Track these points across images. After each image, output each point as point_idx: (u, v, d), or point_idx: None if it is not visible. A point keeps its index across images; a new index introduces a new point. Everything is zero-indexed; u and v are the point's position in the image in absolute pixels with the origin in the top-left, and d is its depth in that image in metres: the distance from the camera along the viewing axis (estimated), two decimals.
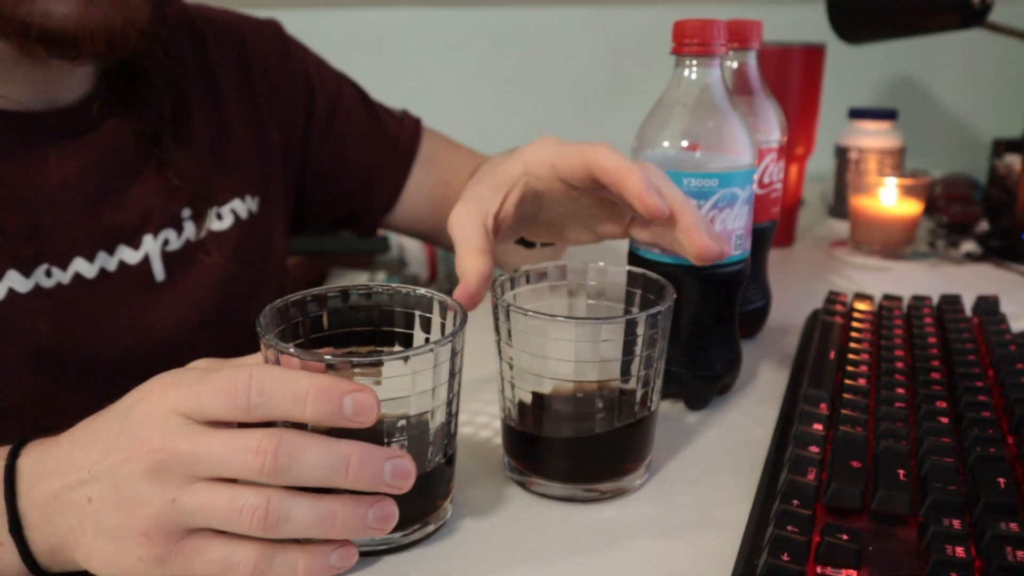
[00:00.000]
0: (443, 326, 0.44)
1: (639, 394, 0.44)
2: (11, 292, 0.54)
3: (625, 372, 0.43)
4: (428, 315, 0.44)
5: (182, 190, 0.63)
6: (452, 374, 0.40)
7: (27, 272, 0.55)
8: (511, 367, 0.44)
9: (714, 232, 0.45)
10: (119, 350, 0.58)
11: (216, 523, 0.37)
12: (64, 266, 0.57)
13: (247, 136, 0.69)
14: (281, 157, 0.72)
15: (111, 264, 0.59)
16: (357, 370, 0.38)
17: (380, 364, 0.38)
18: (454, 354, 0.40)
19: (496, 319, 0.44)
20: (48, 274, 0.56)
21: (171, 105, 0.63)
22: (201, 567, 0.37)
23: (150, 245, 0.61)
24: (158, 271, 0.61)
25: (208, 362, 0.42)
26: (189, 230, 0.63)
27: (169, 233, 0.62)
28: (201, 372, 0.38)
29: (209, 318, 0.64)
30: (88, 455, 0.38)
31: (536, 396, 0.44)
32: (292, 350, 0.38)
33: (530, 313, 0.42)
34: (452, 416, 0.42)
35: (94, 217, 0.58)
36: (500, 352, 0.45)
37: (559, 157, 0.46)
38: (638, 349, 0.43)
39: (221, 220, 0.66)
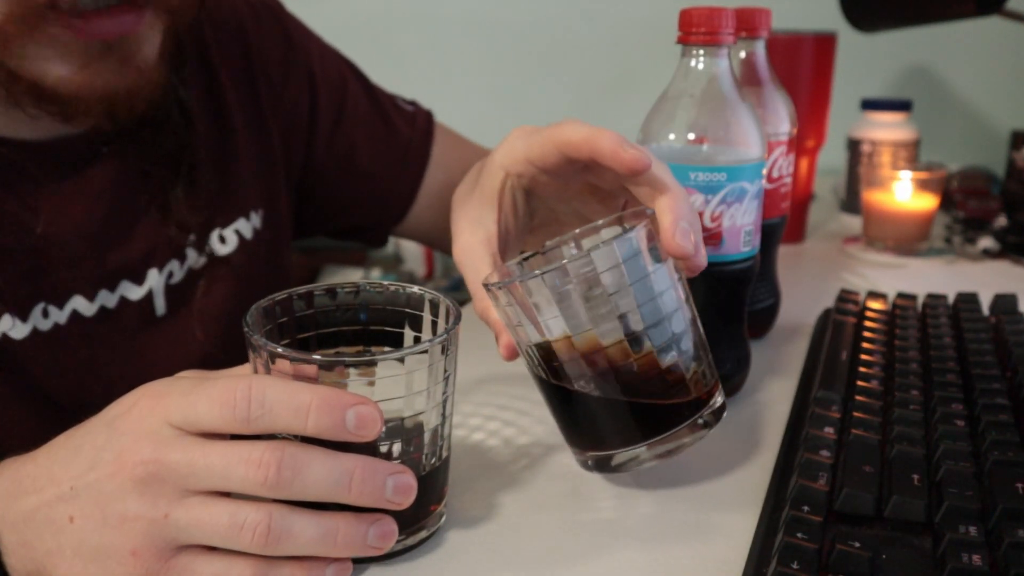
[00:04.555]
0: (434, 324, 0.43)
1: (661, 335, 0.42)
2: (4, 337, 0.52)
3: (622, 310, 0.41)
4: (419, 313, 0.44)
5: (189, 221, 0.60)
6: (446, 374, 0.40)
7: (24, 315, 0.52)
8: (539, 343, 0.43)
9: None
10: (117, 392, 0.56)
11: (213, 540, 0.36)
12: (62, 305, 0.54)
13: (251, 146, 0.66)
14: (284, 163, 0.69)
15: (112, 301, 0.56)
16: (352, 370, 0.38)
17: (374, 364, 0.38)
18: (448, 353, 0.40)
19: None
20: (45, 314, 0.53)
21: (178, 139, 0.59)
22: None
23: (154, 280, 0.58)
24: (159, 305, 0.59)
25: (196, 373, 0.41)
26: (191, 257, 0.61)
27: (173, 265, 0.59)
28: (193, 382, 0.37)
29: (213, 350, 0.61)
30: (68, 470, 0.37)
31: (560, 363, 0.42)
32: (280, 350, 0.38)
33: (514, 280, 0.41)
34: (446, 418, 0.42)
35: (98, 256, 0.56)
36: (518, 341, 0.43)
37: (530, 149, 0.45)
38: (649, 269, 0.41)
39: (225, 243, 0.63)
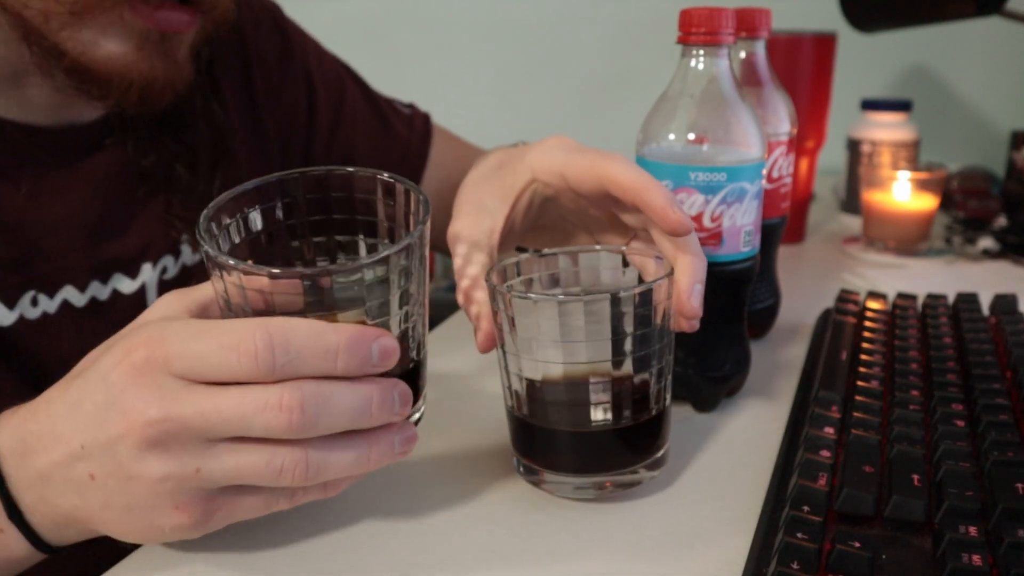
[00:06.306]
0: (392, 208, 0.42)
1: (643, 382, 0.44)
2: None
3: (618, 352, 0.43)
4: (372, 198, 0.42)
5: (185, 218, 0.60)
6: (420, 263, 0.39)
7: (11, 303, 0.52)
8: (516, 357, 0.44)
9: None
10: None
11: (251, 483, 0.36)
12: (52, 294, 0.54)
13: (247, 146, 0.66)
14: (281, 164, 0.70)
15: (104, 293, 0.56)
16: (338, 277, 0.36)
17: (357, 271, 0.36)
18: (422, 245, 0.39)
19: (496, 308, 0.44)
20: (34, 302, 0.53)
21: (180, 140, 0.60)
22: (243, 513, 0.37)
23: (148, 275, 0.59)
24: (152, 300, 0.58)
25: (178, 303, 0.39)
26: (186, 254, 0.61)
27: (167, 260, 0.60)
28: (191, 326, 0.36)
29: None
30: (75, 429, 0.36)
31: (542, 384, 0.44)
32: (232, 261, 0.36)
33: (530, 296, 0.43)
34: (420, 313, 0.40)
35: (92, 247, 0.56)
36: (503, 344, 0.44)
37: (569, 167, 0.46)
38: (629, 329, 0.42)
39: None
